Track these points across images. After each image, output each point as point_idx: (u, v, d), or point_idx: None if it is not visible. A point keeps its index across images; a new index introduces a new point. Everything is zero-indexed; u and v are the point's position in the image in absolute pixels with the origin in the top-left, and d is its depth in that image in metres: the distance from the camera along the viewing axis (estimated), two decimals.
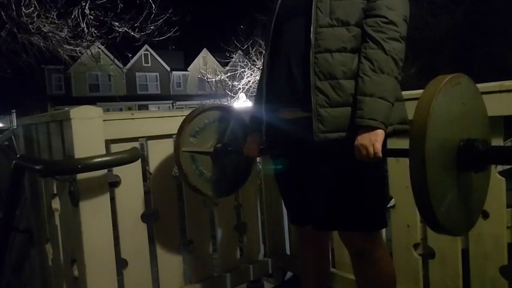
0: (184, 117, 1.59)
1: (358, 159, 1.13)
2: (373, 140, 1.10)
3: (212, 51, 26.40)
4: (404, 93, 1.30)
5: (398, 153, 1.29)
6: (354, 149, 1.13)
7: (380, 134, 1.12)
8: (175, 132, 1.74)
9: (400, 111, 1.23)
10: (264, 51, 1.50)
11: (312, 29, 1.19)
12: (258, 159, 2.14)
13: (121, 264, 1.61)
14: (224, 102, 12.42)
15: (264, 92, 1.34)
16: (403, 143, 1.45)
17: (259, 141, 1.43)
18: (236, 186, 1.71)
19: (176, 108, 24.53)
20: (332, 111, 1.16)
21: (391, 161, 1.61)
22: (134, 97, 26.18)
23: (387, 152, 1.18)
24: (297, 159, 1.35)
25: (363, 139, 1.12)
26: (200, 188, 1.57)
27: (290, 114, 1.27)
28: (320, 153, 1.23)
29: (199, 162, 1.57)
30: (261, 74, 1.45)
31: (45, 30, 6.44)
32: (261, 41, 12.58)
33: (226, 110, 1.68)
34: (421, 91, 1.44)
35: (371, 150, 1.10)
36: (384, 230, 1.65)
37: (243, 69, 14.24)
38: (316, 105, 1.17)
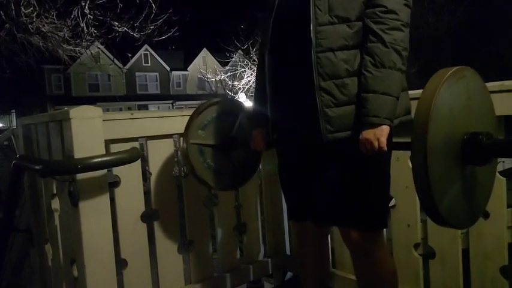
0: (184, 117, 1.58)
1: (365, 156, 1.14)
2: (378, 135, 1.11)
3: (212, 51, 26.39)
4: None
5: (402, 146, 1.29)
6: (359, 144, 1.14)
7: (385, 129, 1.12)
8: (175, 132, 1.75)
9: (404, 101, 1.23)
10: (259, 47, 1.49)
11: (311, 28, 1.16)
12: None
13: (121, 264, 1.61)
14: None
15: (268, 92, 1.33)
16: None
17: (265, 136, 1.43)
18: (244, 179, 1.72)
19: (176, 108, 24.52)
20: (338, 110, 1.16)
21: (391, 159, 1.61)
22: (134, 97, 26.16)
23: (392, 145, 1.18)
24: (303, 154, 1.34)
25: (368, 134, 1.12)
26: (208, 181, 1.58)
27: (295, 115, 1.26)
28: (327, 150, 1.23)
29: (207, 155, 1.58)
30: (259, 70, 1.42)
31: (45, 30, 6.44)
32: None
33: (235, 104, 1.69)
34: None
35: (376, 144, 1.11)
36: (384, 230, 1.65)
37: (243, 69, 14.26)
38: (322, 105, 1.16)
